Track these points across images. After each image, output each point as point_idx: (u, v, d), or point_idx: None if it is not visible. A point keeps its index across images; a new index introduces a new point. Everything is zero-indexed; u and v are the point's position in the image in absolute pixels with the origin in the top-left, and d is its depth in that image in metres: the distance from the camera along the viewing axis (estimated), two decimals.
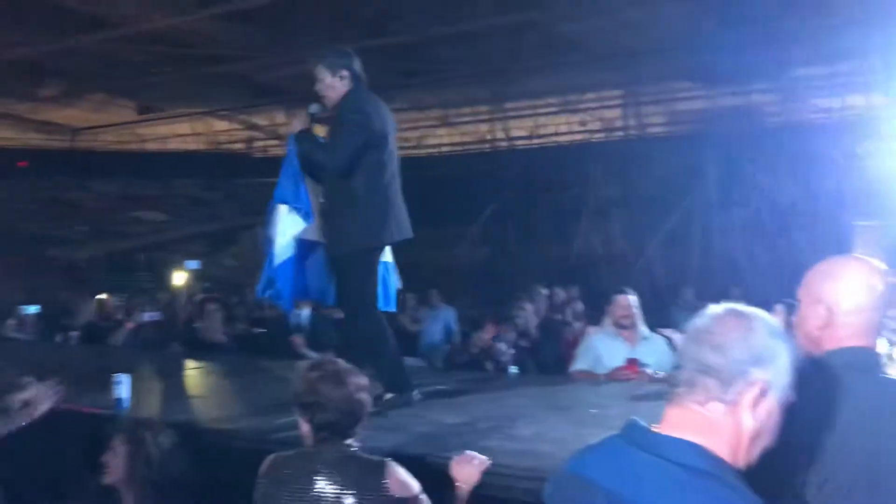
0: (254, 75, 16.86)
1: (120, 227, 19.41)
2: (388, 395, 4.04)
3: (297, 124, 4.16)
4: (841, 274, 2.00)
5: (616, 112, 17.59)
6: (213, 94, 18.41)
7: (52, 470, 3.67)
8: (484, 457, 2.86)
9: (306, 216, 4.03)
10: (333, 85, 4.05)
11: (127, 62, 16.49)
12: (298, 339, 6.02)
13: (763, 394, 1.52)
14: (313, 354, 5.82)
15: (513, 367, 5.49)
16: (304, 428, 2.71)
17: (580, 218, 16.30)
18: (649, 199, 15.55)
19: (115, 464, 3.03)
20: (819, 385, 1.83)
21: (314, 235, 4.11)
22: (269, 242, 4.05)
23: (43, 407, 3.75)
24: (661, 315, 8.80)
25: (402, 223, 4.27)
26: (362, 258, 4.06)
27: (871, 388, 1.86)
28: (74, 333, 7.74)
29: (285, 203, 4.03)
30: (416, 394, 4.14)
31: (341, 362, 2.84)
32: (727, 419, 1.51)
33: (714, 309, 1.64)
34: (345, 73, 4.05)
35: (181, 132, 21.03)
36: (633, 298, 5.33)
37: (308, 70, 4.19)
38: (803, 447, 1.75)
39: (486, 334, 5.59)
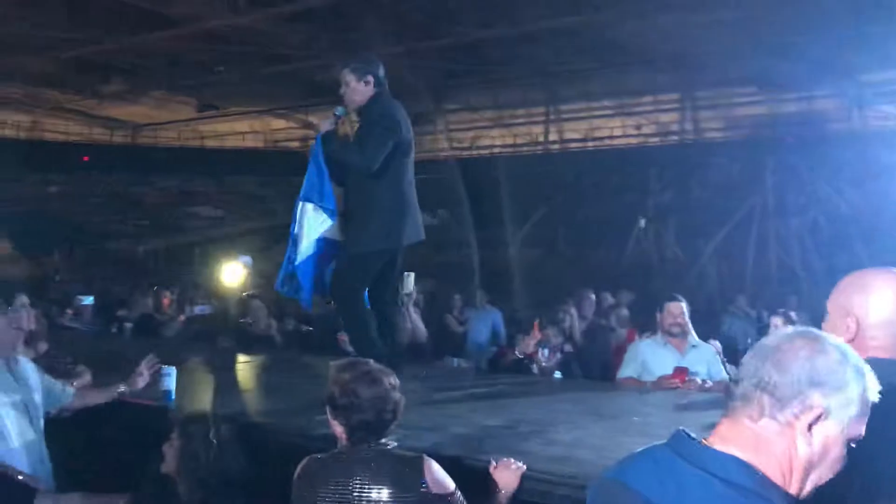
0: (311, 74, 17.10)
1: (177, 221, 19.87)
2: None
3: (325, 125, 4.22)
4: (870, 287, 1.97)
5: (672, 116, 17.34)
6: (272, 92, 18.71)
7: (114, 455, 3.76)
8: (521, 463, 2.84)
9: (332, 214, 4.09)
10: (358, 89, 4.13)
11: (189, 60, 16.89)
12: (343, 337, 6.06)
13: (820, 420, 1.45)
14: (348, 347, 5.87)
15: (557, 371, 5.43)
16: (338, 429, 2.71)
17: (633, 222, 16.10)
18: (705, 204, 15.30)
19: (171, 455, 3.09)
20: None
21: (336, 235, 4.18)
22: (292, 239, 4.12)
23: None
24: (713, 323, 8.66)
25: (417, 226, 4.36)
26: (376, 259, 4.16)
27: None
28: (129, 325, 7.93)
29: (311, 201, 4.10)
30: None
31: (372, 362, 2.84)
32: (779, 440, 1.45)
33: (788, 329, 1.57)
34: (370, 78, 4.13)
35: (239, 130, 21.44)
36: (684, 306, 5.23)
37: (335, 74, 4.27)
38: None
39: (531, 339, 5.54)
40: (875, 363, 1.79)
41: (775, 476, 1.44)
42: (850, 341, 1.86)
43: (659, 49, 13.82)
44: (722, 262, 14.86)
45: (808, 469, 1.46)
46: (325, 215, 4.11)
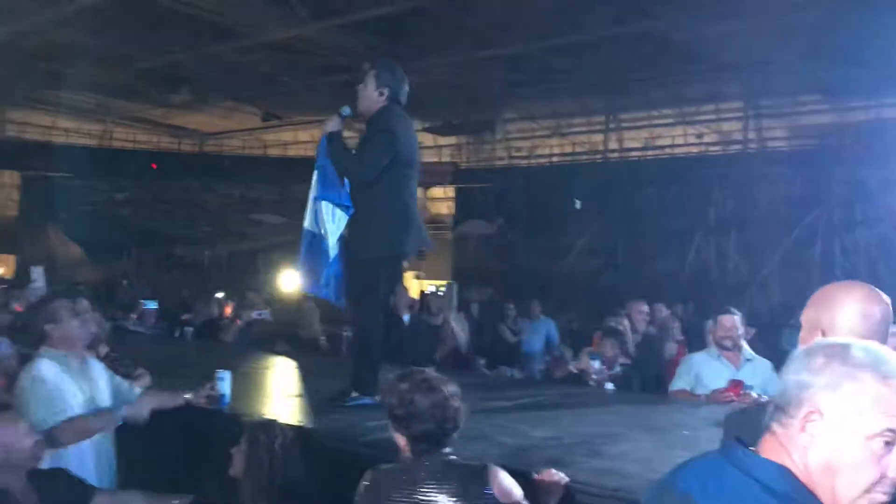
0: None
1: (240, 228, 20.30)
2: (354, 394, 4.19)
3: (331, 125, 4.23)
4: (837, 302, 1.97)
5: (735, 125, 17.02)
6: (333, 101, 18.99)
7: (177, 457, 3.88)
8: (563, 474, 2.84)
9: (347, 210, 4.14)
10: (371, 96, 4.19)
11: (253, 71, 17.29)
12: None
13: (813, 418, 1.46)
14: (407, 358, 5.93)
15: (608, 384, 5.38)
16: (401, 441, 2.70)
17: (694, 233, 15.83)
18: (768, 215, 14.95)
19: (238, 459, 3.17)
20: None
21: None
22: (314, 239, 4.17)
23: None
24: (775, 337, 8.47)
25: (422, 235, 4.41)
26: (382, 265, 4.22)
27: None
28: (190, 329, 8.15)
29: (329, 201, 4.14)
30: (377, 400, 4.19)
31: (430, 371, 2.84)
32: (790, 444, 1.48)
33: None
34: (385, 90, 4.17)
35: (302, 139, 21.80)
36: (737, 319, 5.14)
37: (362, 68, 4.31)
38: None
39: (585, 354, 5.53)
40: None
41: (807, 481, 1.46)
42: None
43: (722, 56, 13.60)
44: (785, 275, 14.49)
45: (829, 473, 1.46)
46: (341, 212, 4.16)
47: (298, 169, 21.54)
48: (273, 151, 21.91)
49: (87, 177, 19.95)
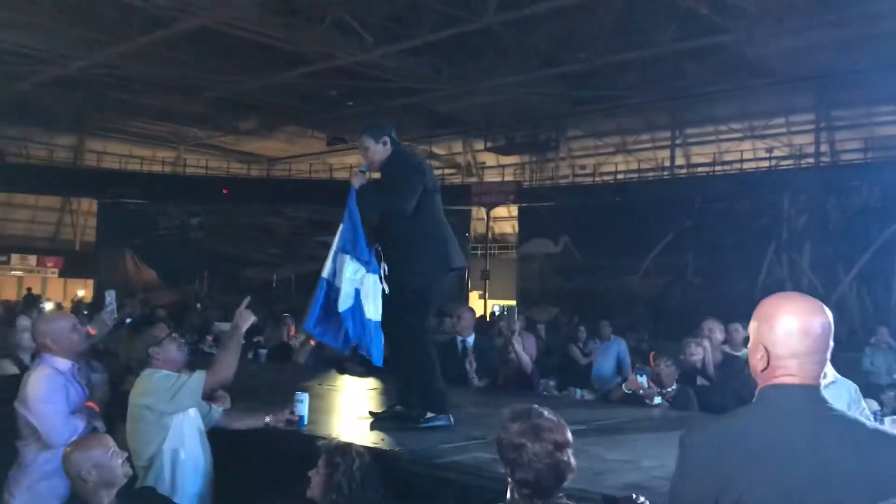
0: (433, 106, 17.49)
1: (307, 250, 20.61)
2: (429, 415, 4.26)
3: (357, 181, 4.48)
4: (774, 316, 1.94)
5: (807, 138, 16.63)
6: (397, 124, 19.19)
7: (257, 477, 3.96)
8: (644, 498, 2.79)
9: (367, 265, 4.36)
10: (378, 150, 4.43)
11: (320, 96, 17.66)
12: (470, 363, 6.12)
13: None
14: (476, 381, 5.92)
15: (657, 398, 5.29)
16: (509, 482, 2.57)
17: (767, 249, 15.45)
18: (843, 230, 14.50)
19: (316, 482, 3.21)
20: (752, 419, 1.94)
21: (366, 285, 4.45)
22: (331, 288, 4.39)
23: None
24: (854, 356, 8.20)
25: (459, 253, 4.58)
26: (432, 289, 4.41)
27: (793, 427, 1.87)
28: (263, 351, 8.30)
29: (347, 253, 4.35)
30: (452, 419, 4.29)
31: (547, 414, 2.66)
32: None
33: None
34: (386, 139, 4.43)
35: None
36: None
37: (357, 142, 4.64)
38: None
39: (631, 377, 5.46)
40: (784, 389, 1.90)
41: None
42: (764, 370, 1.93)
43: (792, 68, 13.34)
44: (863, 292, 14.02)
45: None
46: (359, 265, 4.34)
47: None
48: (339, 175, 22.29)
49: (161, 203, 20.58)
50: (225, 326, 8.42)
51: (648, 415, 5.07)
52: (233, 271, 20.07)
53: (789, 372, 1.91)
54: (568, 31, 13.15)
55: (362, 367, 6.80)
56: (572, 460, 2.56)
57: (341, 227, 4.41)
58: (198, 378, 3.65)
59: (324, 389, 5.69)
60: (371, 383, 6.17)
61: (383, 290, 4.39)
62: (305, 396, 4.11)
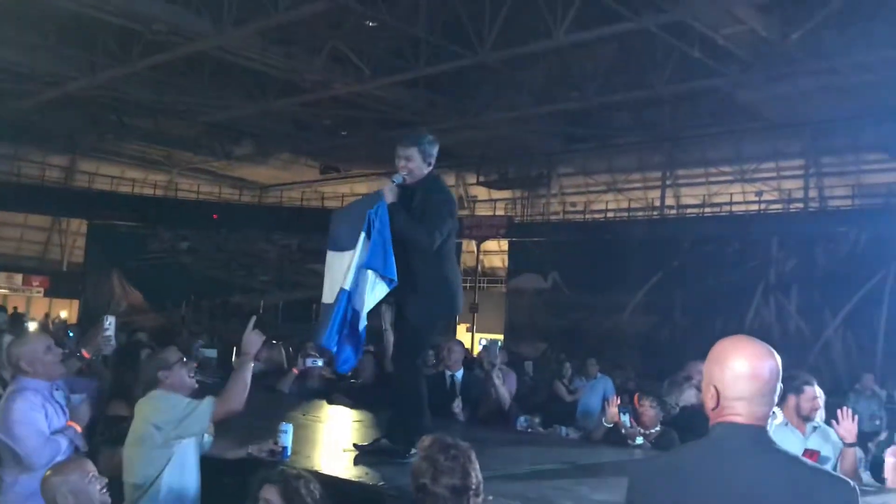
0: None
1: (296, 277, 20.57)
2: (413, 451, 4.16)
3: (391, 196, 4.21)
4: (726, 359, 2.01)
5: (796, 183, 16.80)
6: (390, 156, 19.27)
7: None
8: None
9: (390, 283, 4.14)
10: (421, 167, 4.26)
11: (314, 125, 17.74)
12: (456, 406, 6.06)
13: None
14: (460, 415, 5.88)
15: (639, 438, 5.26)
16: None
17: (754, 292, 15.52)
18: (831, 275, 14.59)
19: None
20: (696, 454, 2.05)
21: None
22: (351, 304, 4.20)
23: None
24: (838, 402, 8.18)
25: (461, 298, 4.61)
26: (437, 327, 4.47)
27: (734, 463, 1.95)
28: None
29: (374, 269, 4.12)
30: None
31: (454, 452, 2.69)
32: None
33: None
34: (432, 160, 4.28)
35: (358, 192, 22.15)
36: (818, 390, 5.01)
37: (397, 145, 4.42)
38: None
39: (613, 407, 5.43)
40: (731, 428, 1.98)
41: None
42: (715, 408, 2.01)
43: (783, 114, 13.52)
44: (849, 337, 14.08)
45: None
46: (383, 284, 4.14)
47: None
48: (330, 203, 22.33)
49: (151, 226, 20.53)
50: (210, 353, 8.36)
51: (631, 456, 5.04)
52: (220, 297, 19.98)
53: (737, 412, 1.98)
54: (563, 70, 13.31)
55: (349, 399, 6.76)
56: (475, 501, 2.57)
57: (363, 238, 4.12)
58: (208, 405, 3.56)
59: (308, 420, 5.64)
60: (356, 415, 6.11)
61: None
62: (290, 427, 4.06)
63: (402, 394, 4.46)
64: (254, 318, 3.99)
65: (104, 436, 4.10)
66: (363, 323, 4.20)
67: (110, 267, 20.21)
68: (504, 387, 6.11)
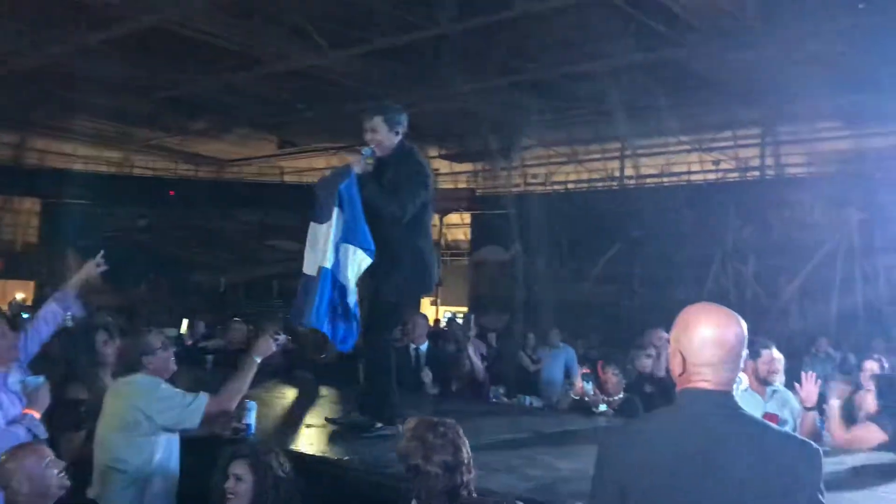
0: None
1: (257, 254, 20.37)
2: (378, 425, 4.24)
3: (358, 168, 4.21)
4: (693, 327, 2.05)
5: (753, 151, 17.00)
6: (350, 129, 19.11)
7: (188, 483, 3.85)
8: None
9: (371, 254, 4.13)
10: (389, 138, 4.22)
11: (272, 99, 17.45)
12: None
13: None
14: (430, 389, 5.91)
15: (602, 405, 5.35)
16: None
17: (712, 260, 15.75)
18: (787, 242, 14.87)
19: (242, 490, 3.08)
20: (663, 421, 2.11)
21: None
22: (336, 282, 4.18)
23: None
24: (794, 366, 8.36)
25: (438, 271, 4.54)
26: (408, 304, 4.32)
27: (700, 428, 1.98)
28: (210, 357, 8.15)
29: (350, 243, 4.11)
30: (400, 428, 4.20)
31: (442, 430, 2.71)
32: None
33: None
34: (399, 129, 4.23)
35: (318, 166, 21.94)
36: (776, 353, 5.10)
37: (362, 118, 4.36)
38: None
39: (580, 380, 5.51)
40: (698, 393, 2.02)
41: None
42: (681, 374, 2.07)
43: (741, 83, 13.62)
44: (805, 302, 14.38)
45: None
46: (365, 255, 4.12)
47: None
48: (290, 178, 22.07)
49: (106, 204, 20.13)
50: (171, 332, 8.27)
51: (595, 424, 5.11)
52: (180, 275, 19.72)
53: (703, 377, 2.03)
54: (523, 41, 13.23)
55: (311, 375, 6.75)
56: (468, 477, 2.59)
57: (336, 213, 4.10)
58: (201, 401, 3.54)
59: (272, 397, 5.61)
60: (320, 391, 6.11)
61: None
62: (253, 405, 4.05)
63: (370, 369, 4.46)
64: (281, 335, 4.03)
65: (63, 420, 4.04)
66: (353, 297, 4.17)
67: (66, 247, 19.80)
68: (479, 359, 6.16)
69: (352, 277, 4.13)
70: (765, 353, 5.01)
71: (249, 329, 8.75)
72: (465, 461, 2.66)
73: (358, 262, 4.11)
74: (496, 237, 18.75)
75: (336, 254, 4.12)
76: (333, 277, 4.12)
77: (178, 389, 3.60)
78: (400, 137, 4.25)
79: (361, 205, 4.10)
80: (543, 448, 4.18)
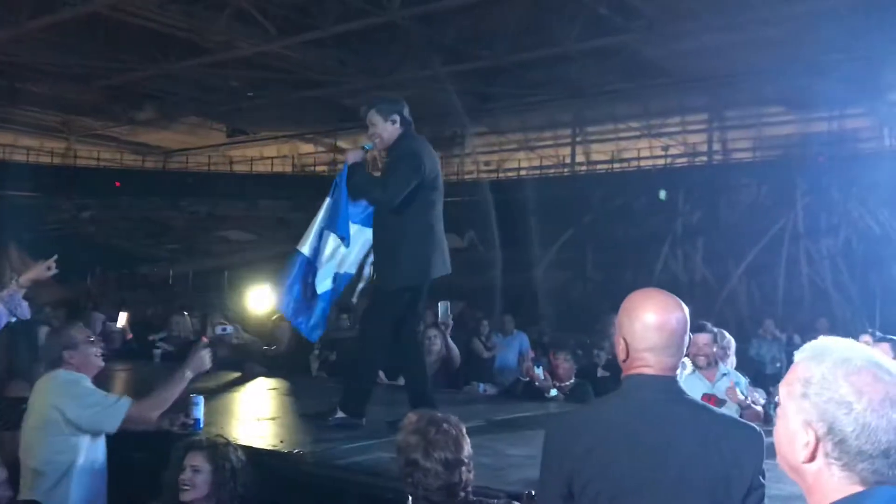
0: (340, 99, 17.28)
1: (207, 245, 20.07)
2: (339, 414, 4.16)
3: (352, 157, 4.25)
4: (635, 310, 2.06)
5: (700, 137, 17.26)
6: (300, 117, 18.93)
7: (133, 478, 3.76)
8: None
9: (346, 242, 4.16)
10: (386, 129, 4.19)
11: (220, 87, 17.17)
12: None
13: None
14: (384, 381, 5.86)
15: (553, 391, 5.38)
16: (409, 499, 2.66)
17: (662, 244, 15.98)
18: (734, 226, 15.15)
19: (200, 481, 3.02)
20: (607, 407, 2.12)
21: (351, 269, 4.31)
22: (309, 267, 4.16)
23: None
24: (743, 347, 8.53)
25: (445, 260, 4.38)
26: (405, 293, 4.22)
27: (642, 413, 1.99)
28: (158, 351, 7.98)
29: (331, 231, 4.16)
30: (363, 422, 4.16)
31: (445, 426, 2.61)
32: None
33: None
34: (395, 117, 4.20)
35: (268, 155, 21.67)
36: (711, 336, 5.13)
37: (361, 114, 4.35)
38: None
39: (530, 363, 5.52)
40: (642, 379, 2.03)
41: None
42: (625, 360, 2.06)
43: (688, 69, 13.80)
44: (752, 284, 14.69)
45: None
46: (338, 242, 4.17)
47: (265, 185, 21.56)
48: (239, 168, 21.76)
49: (50, 195, 19.61)
50: (114, 326, 8.08)
51: (546, 409, 5.12)
52: (127, 267, 19.33)
53: (646, 363, 2.02)
54: (474, 28, 13.21)
55: (263, 367, 6.65)
56: (467, 476, 2.58)
57: (327, 201, 4.18)
58: (122, 406, 3.34)
59: (220, 391, 5.52)
60: (271, 384, 6.03)
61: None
62: (201, 399, 3.96)
63: (353, 356, 4.41)
64: (204, 341, 3.85)
65: (3, 419, 3.90)
66: (323, 287, 4.14)
67: (7, 240, 19.25)
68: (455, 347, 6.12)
69: (326, 265, 4.13)
70: (695, 336, 5.06)
71: (193, 321, 8.61)
72: (466, 460, 2.63)
73: (333, 248, 4.15)
74: (450, 224, 18.53)
75: (319, 240, 4.17)
76: (308, 264, 4.16)
77: (100, 390, 3.44)
78: (399, 127, 4.20)
79: (346, 193, 4.14)
80: (494, 434, 4.16)
